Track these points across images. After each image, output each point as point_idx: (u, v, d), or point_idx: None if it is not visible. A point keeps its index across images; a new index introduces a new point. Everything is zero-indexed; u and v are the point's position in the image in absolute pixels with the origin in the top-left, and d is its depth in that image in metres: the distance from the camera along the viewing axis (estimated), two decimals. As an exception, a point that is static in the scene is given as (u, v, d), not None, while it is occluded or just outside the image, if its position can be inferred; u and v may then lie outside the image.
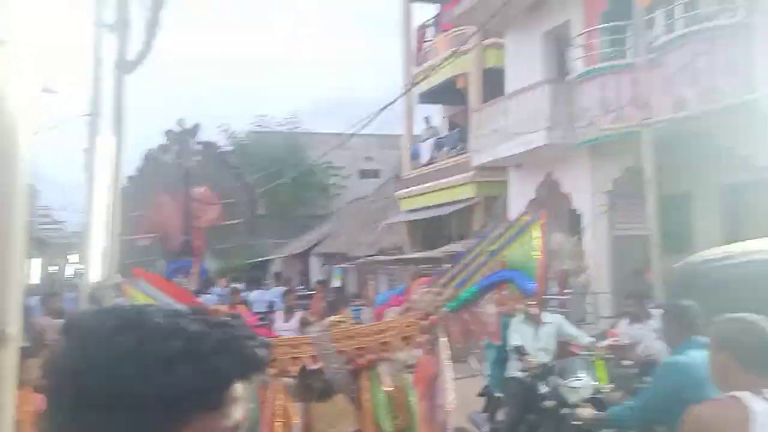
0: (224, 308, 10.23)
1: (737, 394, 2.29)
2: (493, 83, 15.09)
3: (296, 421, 5.52)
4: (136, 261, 17.54)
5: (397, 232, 19.66)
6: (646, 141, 9.43)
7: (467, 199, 15.57)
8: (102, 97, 8.91)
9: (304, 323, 6.80)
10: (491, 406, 6.98)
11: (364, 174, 31.51)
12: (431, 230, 17.54)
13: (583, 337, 6.76)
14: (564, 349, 6.72)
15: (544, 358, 6.23)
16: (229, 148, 28.37)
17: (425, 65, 17.73)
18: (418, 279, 5.74)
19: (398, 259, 17.17)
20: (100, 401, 0.75)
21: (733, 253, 4.05)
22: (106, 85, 8.80)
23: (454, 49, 15.62)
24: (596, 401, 5.21)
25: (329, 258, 23.21)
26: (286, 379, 5.51)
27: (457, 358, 11.76)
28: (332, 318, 6.22)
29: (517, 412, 6.22)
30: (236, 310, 9.53)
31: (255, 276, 20.17)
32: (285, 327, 7.45)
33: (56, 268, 37.73)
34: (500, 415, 6.80)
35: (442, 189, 16.61)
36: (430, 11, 20.00)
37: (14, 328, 1.58)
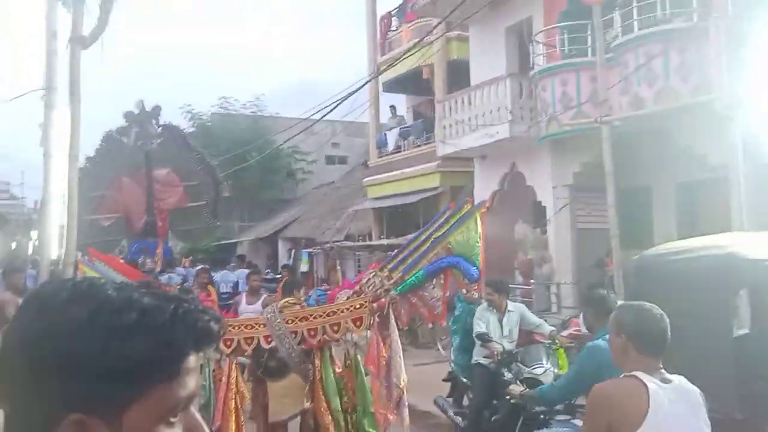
0: (186, 287, 10.32)
1: (635, 373, 2.53)
2: (458, 74, 15.34)
3: (249, 399, 5.68)
4: (99, 240, 17.42)
5: (364, 219, 19.88)
6: (606, 137, 9.81)
7: (433, 189, 15.84)
8: (57, 72, 8.74)
9: (267, 305, 6.91)
10: (457, 390, 7.14)
11: (331, 160, 31.55)
12: (398, 218, 17.80)
13: (544, 326, 7.00)
14: (528, 337, 7.00)
15: (508, 345, 6.36)
16: (192, 130, 28.03)
17: (390, 54, 17.88)
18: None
19: (365, 246, 17.42)
20: (55, 370, 0.75)
21: (687, 248, 4.25)
22: (63, 60, 8.66)
23: (418, 39, 15.79)
24: (534, 381, 5.43)
25: (296, 242, 23.32)
26: (241, 358, 5.70)
27: (425, 344, 12.27)
28: (286, 300, 6.39)
29: (482, 397, 6.35)
30: (205, 289, 9.69)
31: (220, 258, 20.24)
32: (249, 309, 7.46)
33: (15, 244, 36.98)
34: (465, 400, 6.98)
35: (408, 178, 16.83)
36: (395, 0, 20.12)
37: None
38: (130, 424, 0.77)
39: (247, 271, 15.15)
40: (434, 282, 5.23)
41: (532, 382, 5.35)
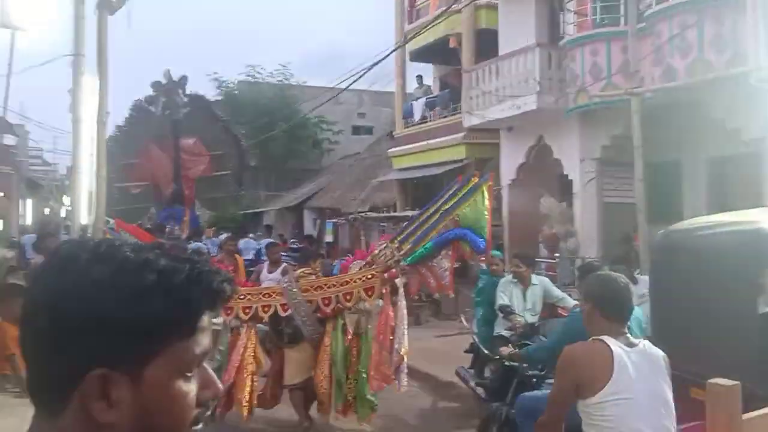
0: (199, 249, 10.48)
1: (602, 337, 2.71)
2: (486, 44, 15.08)
3: (263, 365, 5.92)
4: (129, 207, 17.79)
5: (389, 190, 19.86)
6: (635, 110, 9.64)
7: (458, 160, 15.73)
8: (85, 38, 8.78)
9: (286, 274, 7.05)
10: (479, 362, 7.12)
11: (357, 130, 31.47)
12: (423, 189, 17.75)
13: (567, 299, 6.98)
14: (552, 310, 6.96)
15: (531, 318, 6.35)
16: (219, 98, 28.13)
17: (418, 22, 17.64)
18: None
19: (390, 217, 17.44)
20: (79, 328, 0.78)
21: (714, 223, 4.20)
22: (91, 27, 8.68)
23: (446, 7, 15.56)
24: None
25: (321, 213, 23.44)
26: (259, 325, 5.91)
27: (448, 316, 12.31)
28: (301, 270, 6.52)
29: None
30: (232, 257, 9.84)
31: (243, 226, 20.53)
32: (269, 277, 7.60)
33: (47, 209, 37.94)
34: (487, 372, 7.12)
35: (434, 149, 16.71)
36: (424, -33, 19.74)
37: None
38: (150, 378, 0.81)
39: (271, 240, 15.36)
40: (443, 253, 5.34)
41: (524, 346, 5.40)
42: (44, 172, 43.04)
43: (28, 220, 28.80)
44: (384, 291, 5.39)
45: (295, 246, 18.45)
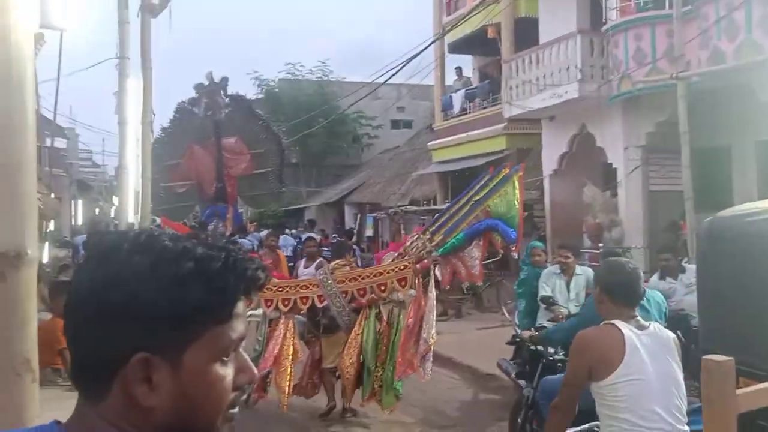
0: (233, 238, 10.60)
1: (613, 321, 2.80)
2: (526, 33, 14.86)
3: (301, 355, 6.20)
4: (175, 206, 18.24)
5: (429, 183, 19.80)
6: (681, 95, 9.38)
7: (499, 152, 15.58)
8: (129, 41, 8.98)
9: (320, 268, 7.27)
10: (521, 354, 7.21)
11: (396, 124, 31.45)
12: (463, 182, 17.56)
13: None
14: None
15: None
16: (259, 96, 28.50)
17: (456, 14, 17.51)
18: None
19: (429, 210, 17.39)
20: (122, 315, 0.82)
21: (762, 209, 4.08)
22: (134, 30, 8.88)
23: (485, -3, 15.40)
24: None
25: (362, 207, 23.52)
26: (298, 317, 6.15)
27: (489, 308, 12.22)
28: (337, 262, 6.67)
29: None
30: (274, 252, 10.01)
31: (282, 223, 20.88)
32: (305, 272, 7.79)
33: (97, 209, 39.08)
34: (528, 363, 7.06)
35: (474, 141, 16.58)
36: (462, -42, 19.57)
37: (33, 249, 1.75)
38: (189, 363, 0.84)
39: (313, 234, 15.54)
40: (473, 243, 5.41)
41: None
42: (94, 174, 44.26)
43: (80, 221, 29.68)
44: (417, 281, 5.50)
45: (335, 241, 18.62)
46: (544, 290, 6.52)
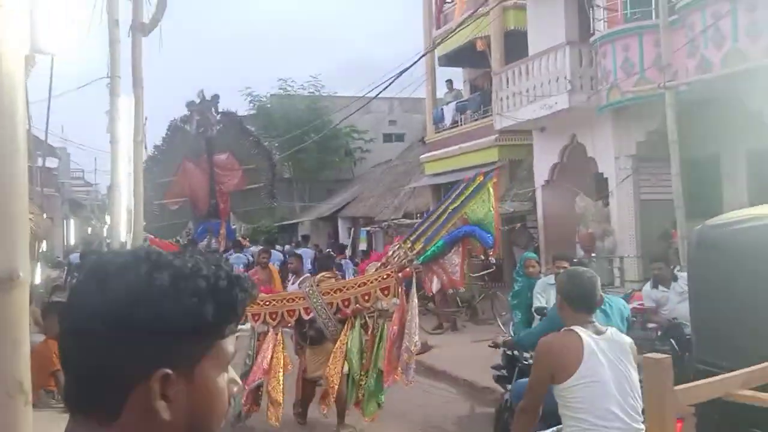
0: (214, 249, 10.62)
1: (573, 327, 2.97)
2: (515, 45, 14.99)
3: (290, 367, 6.30)
4: (168, 223, 18.23)
5: (423, 196, 19.82)
6: (670, 104, 9.45)
7: (491, 163, 15.60)
8: (120, 60, 9.03)
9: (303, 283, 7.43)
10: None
11: (388, 138, 31.53)
12: (455, 194, 17.66)
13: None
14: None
15: None
16: (252, 112, 28.55)
17: (446, 27, 17.62)
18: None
19: (423, 223, 17.38)
20: (145, 331, 0.83)
21: (751, 217, 4.11)
22: (125, 48, 8.92)
23: (472, 10, 15.51)
24: None
25: (355, 221, 23.52)
26: (285, 329, 6.23)
27: (485, 320, 12.21)
28: (322, 274, 6.74)
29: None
30: (266, 268, 10.05)
31: (270, 238, 20.95)
32: (289, 288, 7.94)
33: (90, 228, 38.93)
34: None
35: (466, 153, 16.63)
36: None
37: (26, 272, 1.75)
38: (200, 375, 0.87)
39: (310, 251, 15.54)
40: (453, 249, 5.58)
41: None
42: (86, 192, 44.11)
43: (72, 240, 29.55)
44: (400, 290, 5.64)
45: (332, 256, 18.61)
46: (539, 301, 6.53)
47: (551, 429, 3.44)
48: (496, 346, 5.94)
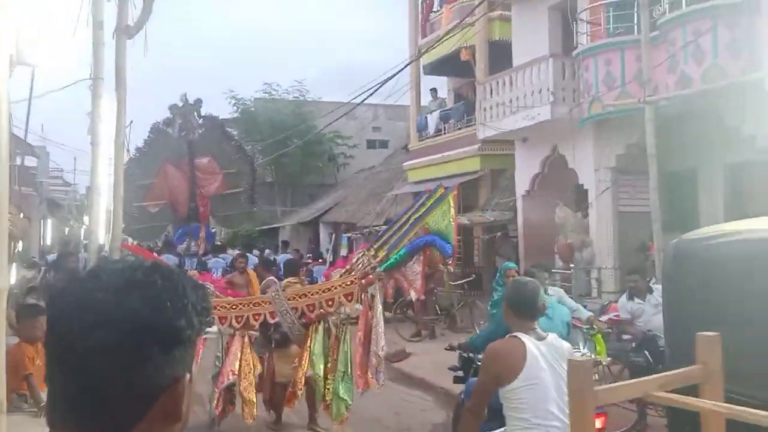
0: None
1: (516, 334, 3.19)
2: (500, 56, 15.10)
3: (258, 367, 6.37)
4: (148, 226, 18.11)
5: (405, 203, 19.83)
6: (649, 118, 9.56)
7: (473, 172, 15.71)
8: (104, 62, 8.99)
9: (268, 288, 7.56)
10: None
11: (372, 144, 31.57)
12: (437, 202, 17.71)
13: (581, 310, 6.93)
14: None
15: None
16: (235, 116, 28.44)
17: (431, 36, 17.71)
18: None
19: (405, 230, 17.40)
20: (175, 339, 0.88)
21: (726, 232, 4.13)
22: (109, 50, 8.90)
23: (459, 21, 15.61)
24: None
25: (337, 227, 23.48)
26: (251, 332, 6.25)
27: (463, 329, 12.23)
28: (288, 280, 6.81)
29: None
30: (244, 272, 10.01)
31: (247, 242, 20.89)
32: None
33: (67, 229, 38.47)
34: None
35: (449, 161, 16.71)
36: (437, -19, 19.83)
37: (3, 280, 1.74)
38: (189, 375, 0.93)
39: (288, 255, 15.49)
40: (414, 258, 5.78)
41: None
42: (65, 192, 43.61)
43: (49, 240, 29.18)
44: (363, 296, 5.88)
45: (308, 261, 18.58)
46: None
47: (499, 430, 3.60)
48: (452, 348, 6.21)
